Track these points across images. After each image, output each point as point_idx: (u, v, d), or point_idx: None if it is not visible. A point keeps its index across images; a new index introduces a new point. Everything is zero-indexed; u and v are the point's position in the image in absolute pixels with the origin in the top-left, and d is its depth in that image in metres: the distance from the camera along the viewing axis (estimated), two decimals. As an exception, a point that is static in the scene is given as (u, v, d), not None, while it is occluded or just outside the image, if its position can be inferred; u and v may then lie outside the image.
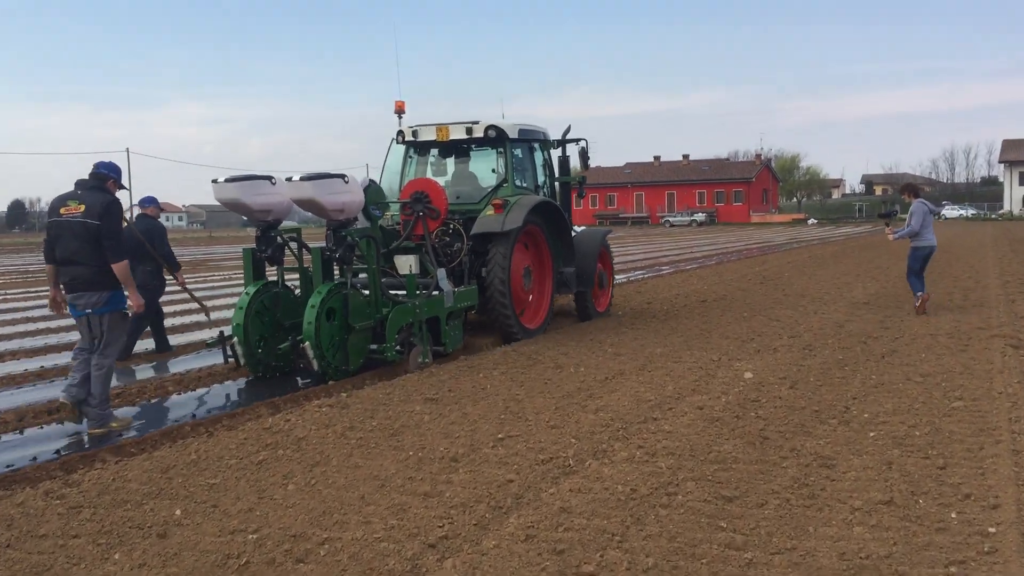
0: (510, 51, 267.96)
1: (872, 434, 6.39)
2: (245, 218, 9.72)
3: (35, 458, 6.54)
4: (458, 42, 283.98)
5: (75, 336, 9.03)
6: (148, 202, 11.15)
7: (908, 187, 14.70)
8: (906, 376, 8.45)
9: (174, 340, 11.81)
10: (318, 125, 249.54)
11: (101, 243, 6.99)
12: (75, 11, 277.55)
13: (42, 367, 10.23)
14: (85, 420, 7.28)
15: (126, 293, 7.39)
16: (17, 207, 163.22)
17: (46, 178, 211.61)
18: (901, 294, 16.03)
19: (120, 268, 7.10)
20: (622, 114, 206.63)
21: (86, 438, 7.18)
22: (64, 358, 10.44)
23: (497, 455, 6.02)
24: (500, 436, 6.47)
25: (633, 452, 6.01)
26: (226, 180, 8.87)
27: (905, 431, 6.45)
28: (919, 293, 13.27)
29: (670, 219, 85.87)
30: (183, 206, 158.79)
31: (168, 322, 12.41)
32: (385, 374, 9.33)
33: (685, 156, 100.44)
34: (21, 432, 7.37)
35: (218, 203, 9.30)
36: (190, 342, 11.94)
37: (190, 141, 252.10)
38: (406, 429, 6.77)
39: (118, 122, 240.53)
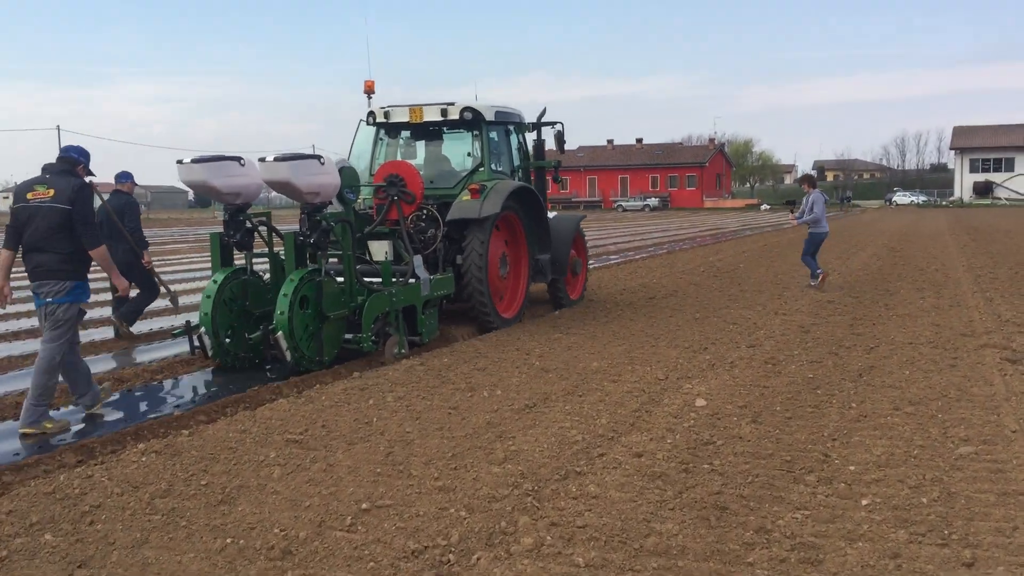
0: (462, 36, 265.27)
1: (865, 502, 4.77)
2: (191, 199, 9.25)
3: None
4: (414, 26, 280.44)
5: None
6: (124, 177, 10.86)
7: (806, 178, 16.35)
8: (893, 404, 6.88)
9: (140, 326, 11.29)
10: (273, 107, 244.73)
11: (73, 229, 6.70)
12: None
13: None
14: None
15: (97, 283, 7.59)
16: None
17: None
18: (867, 289, 14.57)
19: (99, 253, 6.83)
20: (577, 98, 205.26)
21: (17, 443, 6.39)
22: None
23: (350, 543, 4.28)
24: (365, 506, 4.74)
25: (542, 536, 4.32)
26: (193, 160, 8.47)
27: (907, 496, 4.84)
28: (818, 272, 14.95)
29: (623, 204, 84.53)
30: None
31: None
32: (353, 367, 8.85)
33: (639, 140, 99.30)
34: None
35: (176, 185, 9.17)
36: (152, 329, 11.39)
37: (139, 121, 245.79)
38: (243, 492, 5.02)
39: (64, 100, 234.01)
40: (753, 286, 15.55)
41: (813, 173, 19.62)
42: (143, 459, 5.57)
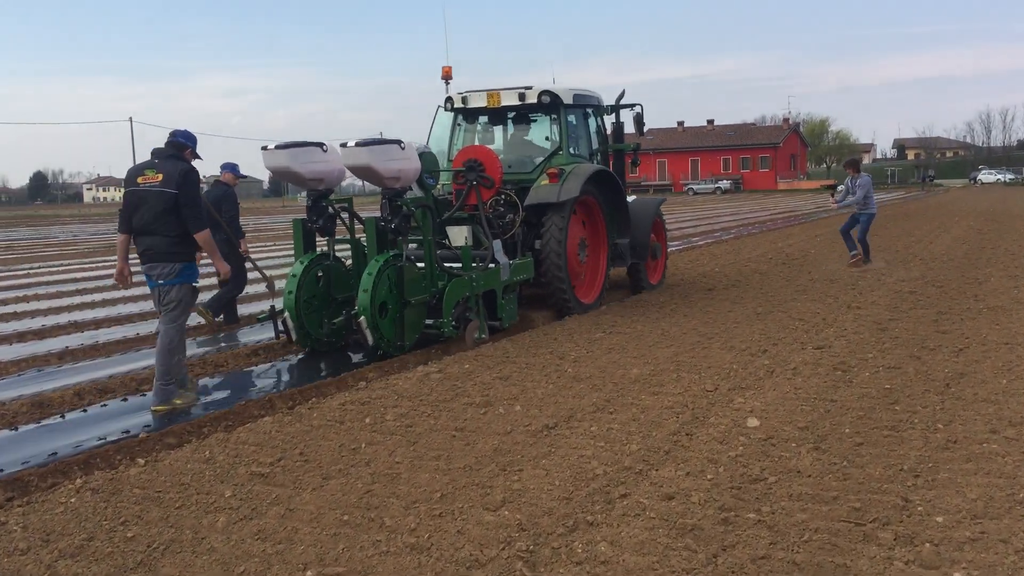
0: (533, 21, 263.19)
1: (957, 574, 3.64)
2: (267, 187, 9.27)
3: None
4: (481, 11, 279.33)
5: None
6: (227, 168, 10.99)
7: (851, 162, 16.48)
8: (989, 425, 5.67)
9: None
10: (343, 95, 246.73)
11: (180, 212, 6.82)
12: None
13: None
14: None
15: (201, 266, 7.34)
16: (39, 179, 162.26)
17: (70, 150, 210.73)
18: (952, 277, 13.15)
19: (202, 237, 6.93)
20: (648, 80, 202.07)
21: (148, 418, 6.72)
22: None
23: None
24: (309, 574, 3.78)
25: (524, 624, 3.30)
26: (276, 147, 8.51)
27: (1014, 565, 3.69)
28: (854, 252, 15.50)
29: (693, 187, 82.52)
30: (204, 176, 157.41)
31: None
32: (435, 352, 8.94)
33: (710, 121, 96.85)
34: (85, 411, 6.96)
35: (256, 174, 9.20)
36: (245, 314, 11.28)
37: (216, 112, 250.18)
38: (170, 551, 4.06)
39: (143, 94, 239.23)
40: (824, 275, 14.22)
41: (858, 157, 20.56)
42: (73, 500, 4.70)
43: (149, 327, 10.41)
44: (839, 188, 16.14)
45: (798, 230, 26.39)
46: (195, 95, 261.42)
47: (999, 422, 5.75)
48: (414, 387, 7.10)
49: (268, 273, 12.05)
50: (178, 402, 6.96)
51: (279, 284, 10.81)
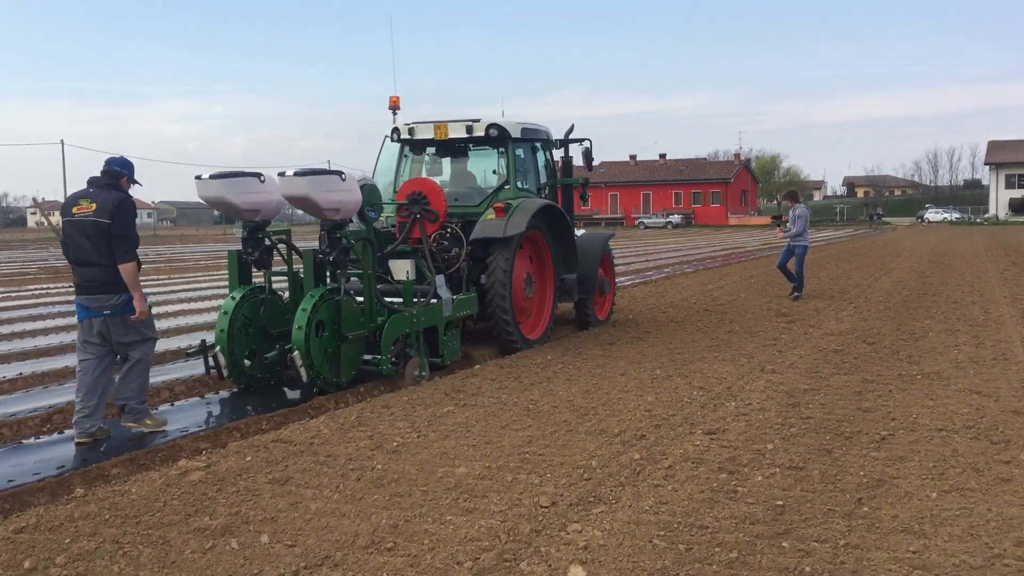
0: (493, 55, 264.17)
1: None
2: (216, 214, 10.44)
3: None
4: (441, 44, 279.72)
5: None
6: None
7: (790, 194, 17.23)
8: (907, 571, 3.99)
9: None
10: (303, 123, 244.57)
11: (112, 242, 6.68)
12: (62, 8, 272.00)
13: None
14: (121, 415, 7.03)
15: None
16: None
17: (17, 172, 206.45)
18: (887, 330, 11.60)
19: (127, 269, 6.76)
20: (605, 115, 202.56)
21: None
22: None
23: None
24: None
25: None
26: (211, 176, 8.31)
27: None
28: (798, 290, 16.09)
29: (644, 221, 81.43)
30: (152, 202, 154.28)
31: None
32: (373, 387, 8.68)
33: (662, 156, 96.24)
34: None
35: (200, 200, 8.60)
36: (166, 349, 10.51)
37: (173, 137, 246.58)
38: None
39: (99, 118, 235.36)
40: (748, 324, 12.62)
41: (795, 190, 20.29)
42: None
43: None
44: (785, 221, 16.39)
45: (736, 269, 24.92)
46: (152, 120, 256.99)
47: (926, 567, 4.06)
48: (145, 499, 5.22)
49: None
50: (148, 422, 6.92)
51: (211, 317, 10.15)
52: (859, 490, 5.26)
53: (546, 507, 5.01)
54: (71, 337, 10.39)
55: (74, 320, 7.51)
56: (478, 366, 9.59)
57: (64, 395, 8.30)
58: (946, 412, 7.15)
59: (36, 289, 20.76)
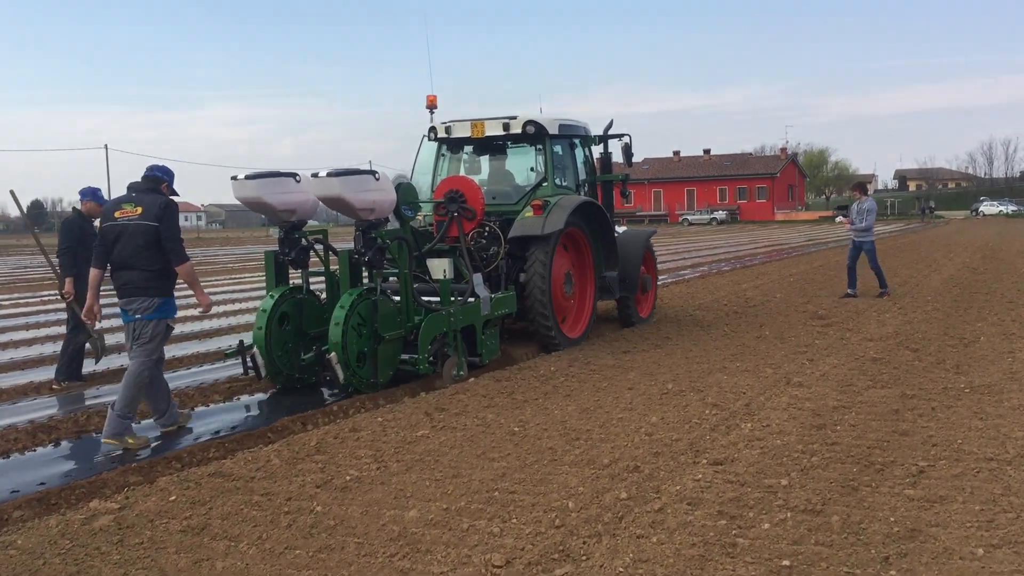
0: (537, 52, 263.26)
1: None
2: (264, 217, 9.25)
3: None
4: (484, 43, 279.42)
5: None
6: (87, 195, 9.35)
7: (858, 185, 16.49)
8: None
9: (191, 348, 11.26)
10: (351, 124, 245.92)
11: (159, 246, 6.80)
12: (112, 15, 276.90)
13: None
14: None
15: (177, 299, 7.20)
16: (36, 207, 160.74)
17: (67, 177, 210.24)
18: (934, 333, 10.50)
19: (184, 270, 6.91)
20: (650, 111, 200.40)
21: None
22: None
23: None
24: None
25: None
26: (247, 177, 8.25)
27: None
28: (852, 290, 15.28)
29: (688, 217, 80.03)
30: (202, 205, 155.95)
31: (180, 329, 12.17)
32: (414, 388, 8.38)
33: (706, 151, 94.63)
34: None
35: (239, 202, 8.42)
36: (208, 351, 10.85)
37: (224, 141, 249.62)
38: None
39: (152, 124, 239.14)
40: (779, 329, 11.59)
41: (864, 181, 19.51)
42: None
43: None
44: (850, 209, 15.54)
45: (775, 267, 23.73)
46: (204, 124, 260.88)
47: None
48: (28, 555, 4.39)
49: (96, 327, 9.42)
50: (131, 441, 6.71)
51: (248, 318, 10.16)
52: (887, 543, 4.28)
53: (498, 568, 4.12)
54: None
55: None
56: (472, 379, 8.71)
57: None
58: (997, 436, 6.11)
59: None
